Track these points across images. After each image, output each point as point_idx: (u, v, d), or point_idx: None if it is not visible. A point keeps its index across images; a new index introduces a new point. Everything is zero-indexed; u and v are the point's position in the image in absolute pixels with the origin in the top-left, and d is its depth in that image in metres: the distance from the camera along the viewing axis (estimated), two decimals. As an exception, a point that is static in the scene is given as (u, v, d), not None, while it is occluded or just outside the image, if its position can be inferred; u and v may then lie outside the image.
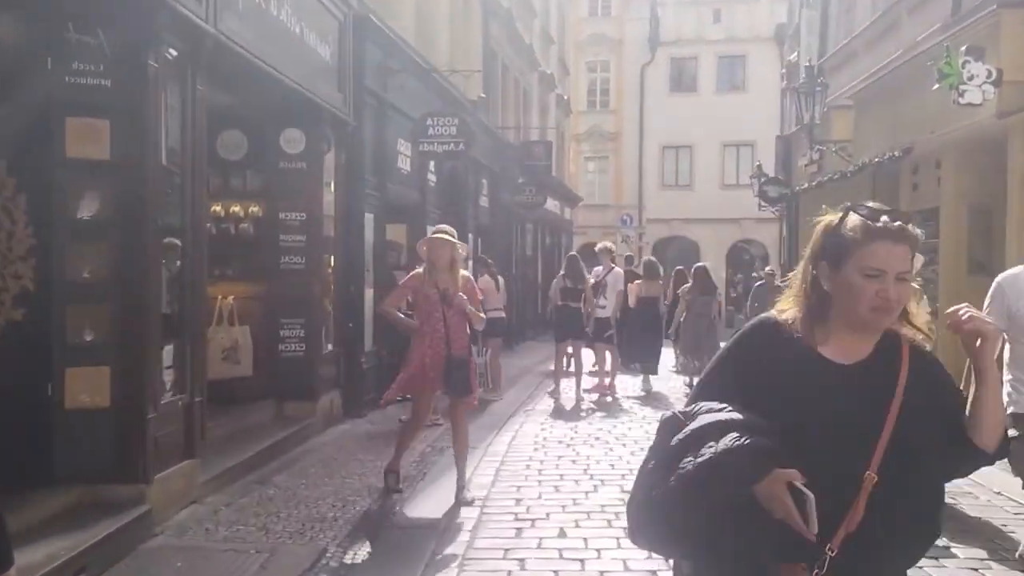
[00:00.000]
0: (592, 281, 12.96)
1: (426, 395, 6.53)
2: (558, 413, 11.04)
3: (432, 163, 12.60)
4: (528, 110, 22.49)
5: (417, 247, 6.57)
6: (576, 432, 9.50)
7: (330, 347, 9.47)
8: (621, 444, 8.79)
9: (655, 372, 13.63)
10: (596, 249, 13.15)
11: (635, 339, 13.14)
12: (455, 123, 11.16)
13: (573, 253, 13.99)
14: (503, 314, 12.50)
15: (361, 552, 5.43)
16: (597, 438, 9.15)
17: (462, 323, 6.36)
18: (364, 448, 8.40)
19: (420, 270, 6.47)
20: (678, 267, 16.11)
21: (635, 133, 37.37)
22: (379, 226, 10.89)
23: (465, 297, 6.33)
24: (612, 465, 7.82)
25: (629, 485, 7.47)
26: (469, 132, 11.41)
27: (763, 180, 18.66)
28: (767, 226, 36.15)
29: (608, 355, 12.76)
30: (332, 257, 9.47)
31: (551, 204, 25.50)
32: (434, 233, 6.51)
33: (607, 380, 12.71)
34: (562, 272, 13.29)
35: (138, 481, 5.47)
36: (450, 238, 6.38)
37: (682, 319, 13.56)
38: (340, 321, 9.65)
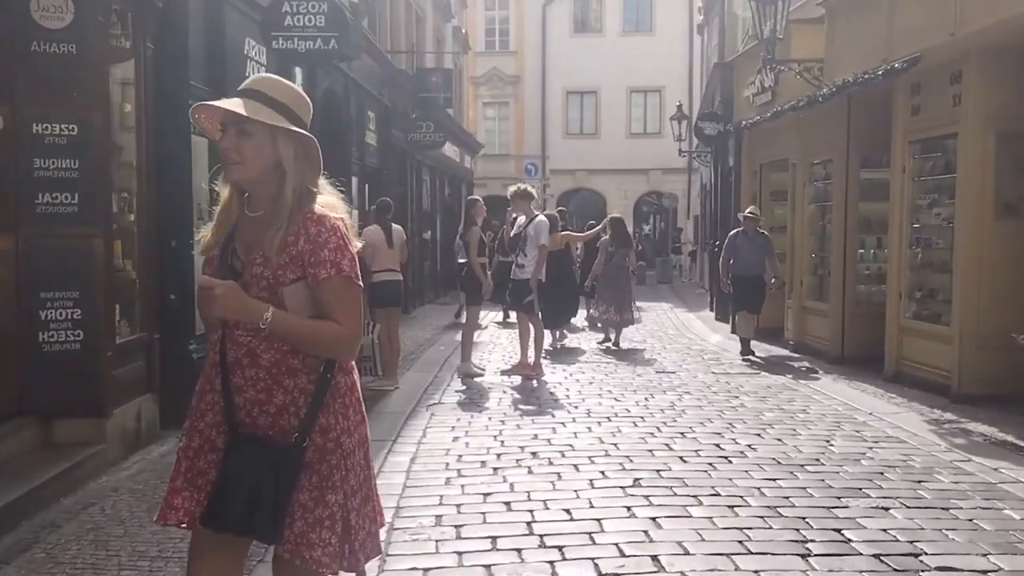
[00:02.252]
0: (511, 233, 10.15)
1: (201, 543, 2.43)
2: (473, 405, 8.19)
3: (299, 74, 9.38)
4: (422, 38, 19.22)
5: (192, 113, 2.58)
6: (502, 444, 6.63)
7: (137, 333, 6.30)
8: (571, 465, 5.97)
9: (567, 322, 12.90)
10: (510, 193, 10.25)
11: (546, 297, 10.37)
12: (323, 10, 7.95)
13: (472, 196, 11.09)
14: (399, 275, 9.46)
15: None
16: (534, 453, 6.31)
17: (279, 350, 2.37)
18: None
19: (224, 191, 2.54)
20: (591, 221, 15.21)
21: (537, 77, 34.51)
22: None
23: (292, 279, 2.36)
24: (568, 512, 4.97)
25: (603, 558, 4.20)
26: (344, 25, 8.22)
27: (699, 115, 16.04)
28: (676, 177, 34.12)
29: (531, 327, 9.94)
30: (134, 198, 6.24)
31: (450, 150, 22.45)
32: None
33: (531, 358, 9.91)
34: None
35: None
36: (239, 105, 2.40)
37: (599, 271, 12.51)
38: (153, 293, 6.47)
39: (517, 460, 6.13)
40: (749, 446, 6.52)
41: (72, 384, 5.47)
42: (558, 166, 34.31)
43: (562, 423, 7.34)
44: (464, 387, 9.22)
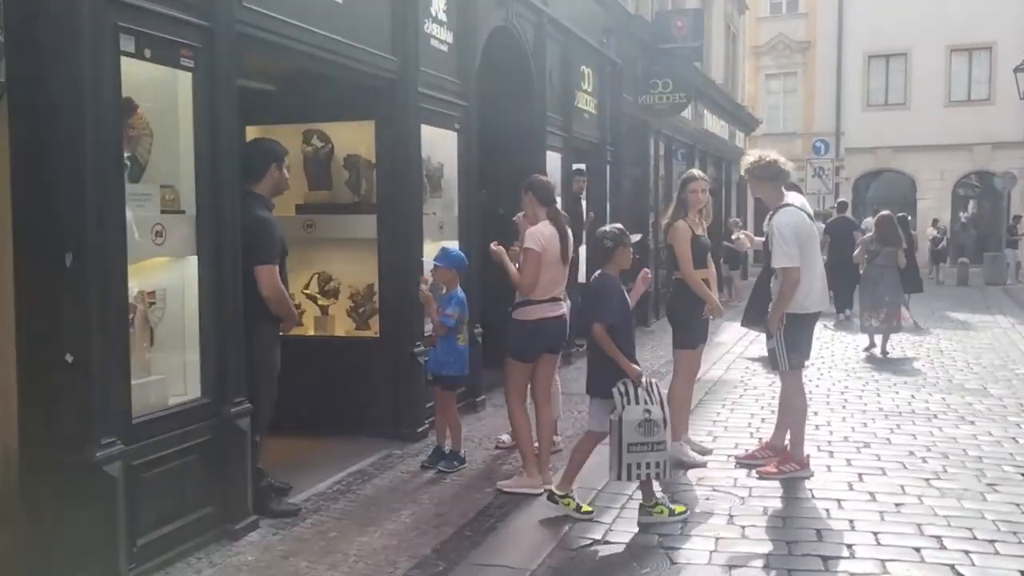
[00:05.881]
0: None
1: None
2: (665, 560, 4.12)
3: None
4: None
5: None
6: None
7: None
8: None
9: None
10: (744, 168, 5.95)
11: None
12: None
13: (690, 171, 6.55)
14: (562, 309, 5.36)
15: None
16: None
17: None
18: None
19: None
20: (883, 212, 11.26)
21: (832, 40, 28.51)
22: (219, 100, 4.26)
23: None
24: None
25: None
26: None
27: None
28: (1011, 152, 26.54)
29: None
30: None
31: (716, 125, 17.97)
32: None
33: (786, 439, 5.61)
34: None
35: None
36: None
37: (862, 272, 11.10)
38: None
39: None
40: None
41: None
42: (855, 144, 28.15)
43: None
44: (666, 494, 5.14)
